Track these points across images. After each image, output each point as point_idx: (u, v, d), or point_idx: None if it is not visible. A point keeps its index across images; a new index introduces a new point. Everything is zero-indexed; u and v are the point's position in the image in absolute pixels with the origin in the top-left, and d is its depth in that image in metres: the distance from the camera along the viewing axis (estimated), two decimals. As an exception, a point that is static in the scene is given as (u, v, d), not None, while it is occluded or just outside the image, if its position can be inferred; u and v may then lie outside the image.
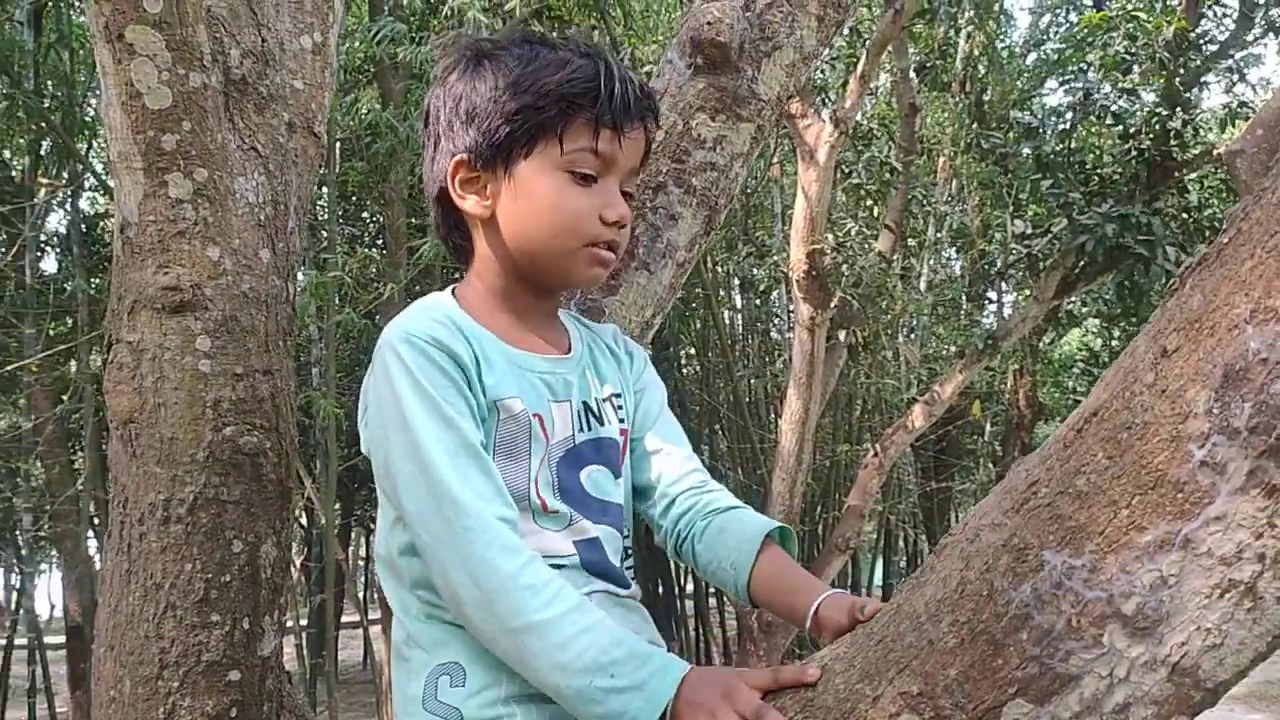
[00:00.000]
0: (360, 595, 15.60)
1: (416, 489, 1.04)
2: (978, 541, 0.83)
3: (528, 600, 0.99)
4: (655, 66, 1.51)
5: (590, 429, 1.18)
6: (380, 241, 10.47)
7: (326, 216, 7.66)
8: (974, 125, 10.56)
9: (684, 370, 14.32)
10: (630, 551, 1.23)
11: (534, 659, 0.99)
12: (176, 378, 1.52)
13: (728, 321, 13.06)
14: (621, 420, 1.23)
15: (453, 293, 1.20)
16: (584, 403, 1.18)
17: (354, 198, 9.70)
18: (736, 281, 12.79)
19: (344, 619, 13.66)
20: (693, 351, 14.18)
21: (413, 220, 8.70)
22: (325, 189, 7.45)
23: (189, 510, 1.52)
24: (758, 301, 12.69)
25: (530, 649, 0.99)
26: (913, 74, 9.58)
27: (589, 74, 1.13)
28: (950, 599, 0.83)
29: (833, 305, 7.30)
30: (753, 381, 12.38)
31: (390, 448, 1.06)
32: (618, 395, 1.24)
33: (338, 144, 7.25)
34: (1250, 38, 11.27)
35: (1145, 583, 0.74)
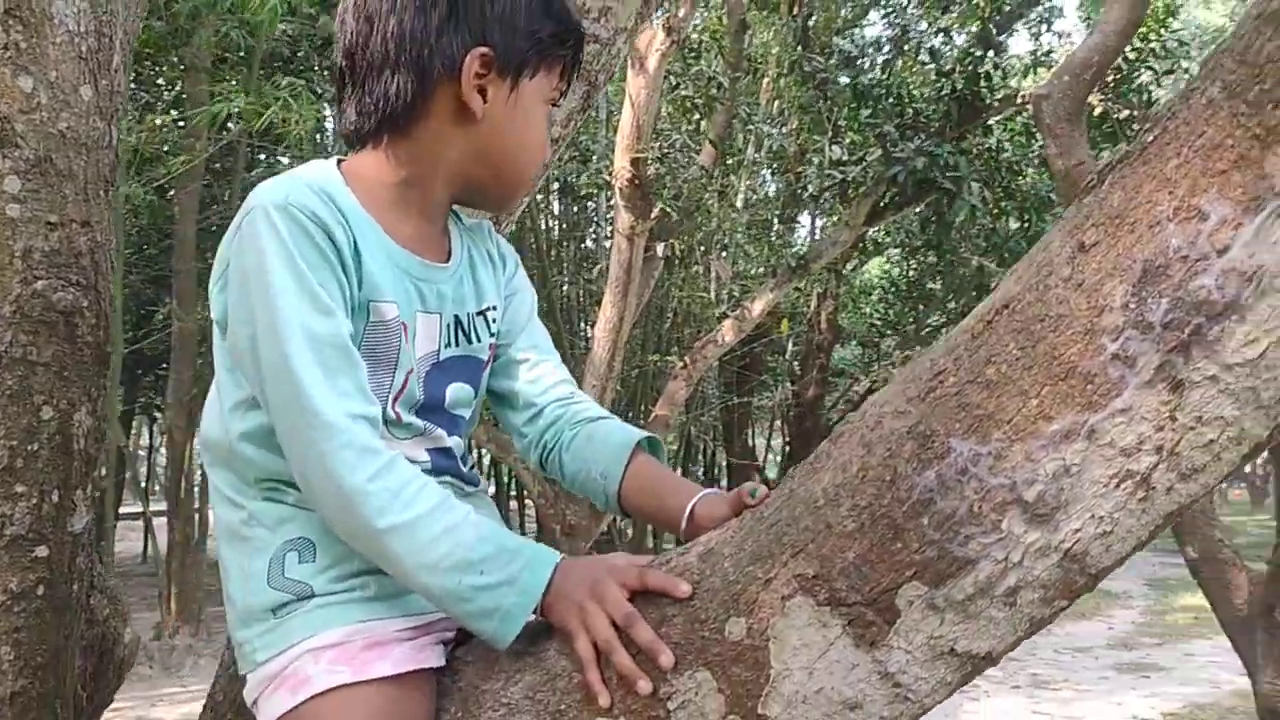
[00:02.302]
0: (142, 486, 14.89)
1: (276, 376, 0.96)
2: (880, 429, 0.83)
3: (388, 503, 0.94)
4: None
5: (457, 344, 1.12)
6: (177, 111, 9.77)
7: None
8: (798, 48, 10.69)
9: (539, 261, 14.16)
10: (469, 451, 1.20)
11: (400, 560, 0.95)
12: (-21, 221, 1.36)
13: (545, 226, 12.94)
14: (493, 335, 1.17)
15: (338, 165, 1.07)
16: (455, 316, 1.11)
17: (149, 60, 8.97)
18: (556, 186, 12.64)
19: (123, 509, 13.03)
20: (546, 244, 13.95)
21: (215, 91, 8.14)
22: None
23: (-9, 371, 1.37)
24: (576, 208, 12.61)
25: (395, 550, 0.94)
26: (745, -10, 9.57)
27: (578, 22, 1.14)
28: (850, 483, 0.83)
29: (653, 216, 7.29)
30: (567, 287, 12.37)
31: (256, 326, 0.97)
32: (493, 308, 1.17)
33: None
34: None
35: (1049, 471, 0.75)
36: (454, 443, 1.11)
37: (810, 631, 0.83)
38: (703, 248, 11.39)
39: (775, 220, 13.05)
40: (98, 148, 1.46)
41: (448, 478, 1.09)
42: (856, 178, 9.72)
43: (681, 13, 7.96)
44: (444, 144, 1.07)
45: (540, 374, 1.21)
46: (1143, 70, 8.91)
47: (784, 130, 11.78)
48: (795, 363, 15.69)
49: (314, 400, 0.94)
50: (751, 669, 0.85)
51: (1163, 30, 9.67)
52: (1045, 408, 0.76)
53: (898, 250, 13.78)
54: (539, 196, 13.04)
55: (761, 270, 12.06)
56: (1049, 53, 9.38)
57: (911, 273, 14.33)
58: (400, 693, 0.97)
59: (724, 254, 12.08)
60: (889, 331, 15.12)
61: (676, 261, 10.82)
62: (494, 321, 1.16)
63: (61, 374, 1.42)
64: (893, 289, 14.86)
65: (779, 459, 18.30)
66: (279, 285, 0.96)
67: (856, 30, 12.72)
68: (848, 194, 10.33)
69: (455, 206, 1.16)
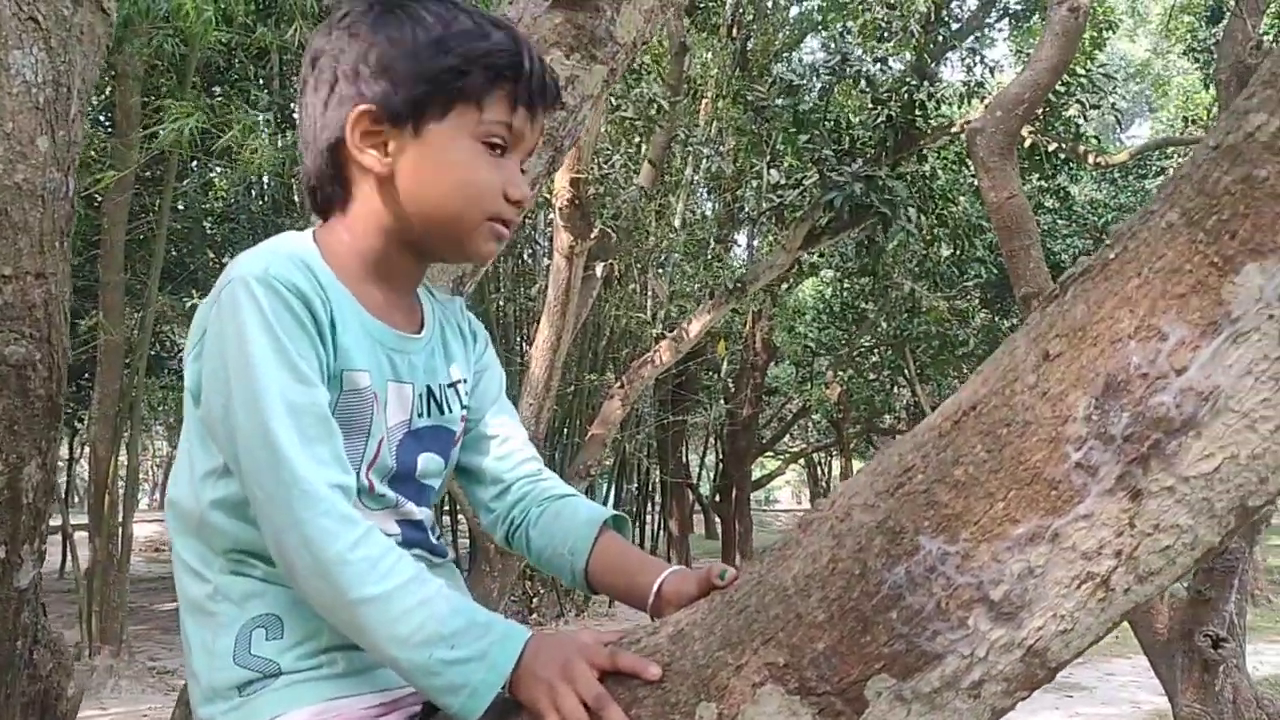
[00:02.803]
0: (62, 498, 14.49)
1: (253, 444, 0.96)
2: (849, 521, 0.86)
3: (365, 573, 0.95)
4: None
5: (429, 415, 1.13)
6: (106, 118, 9.56)
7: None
8: (737, 71, 10.79)
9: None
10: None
11: (371, 632, 0.95)
12: (-70, 274, 1.34)
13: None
14: (464, 407, 1.18)
15: (313, 238, 1.09)
16: (427, 386, 1.13)
17: (80, 67, 8.77)
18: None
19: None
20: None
21: (148, 99, 7.98)
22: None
23: (-60, 425, 1.34)
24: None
25: (367, 621, 0.95)
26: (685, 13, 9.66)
27: (512, 48, 1.09)
28: (820, 575, 0.86)
29: (593, 236, 7.31)
30: (503, 304, 12.31)
31: (231, 395, 0.97)
32: (464, 381, 1.19)
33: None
34: (990, 19, 12.15)
35: (1014, 571, 0.79)
36: (423, 514, 1.12)
37: (780, 719, 0.85)
38: (640, 266, 11.44)
39: (712, 240, 13.13)
40: (54, 199, 1.44)
41: (418, 550, 1.10)
42: (794, 201, 9.84)
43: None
44: (374, 206, 1.09)
45: (508, 450, 1.23)
46: (1071, 103, 9.18)
47: (722, 152, 11.88)
48: (730, 381, 15.80)
49: (295, 468, 0.95)
50: (723, 755, 0.87)
51: (1089, 64, 9.97)
52: (1011, 511, 0.79)
53: (831, 272, 13.99)
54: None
55: (698, 288, 12.13)
56: (981, 84, 9.60)
57: (844, 294, 14.56)
58: None
59: (661, 272, 12.14)
60: (822, 351, 15.33)
61: (615, 280, 10.85)
62: (465, 395, 1.18)
63: (12, 428, 1.40)
64: (826, 310, 15.08)
65: (712, 475, 18.38)
66: (258, 355, 0.96)
67: (795, 55, 12.88)
68: (784, 217, 10.45)
69: (428, 283, 1.17)
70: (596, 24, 1.41)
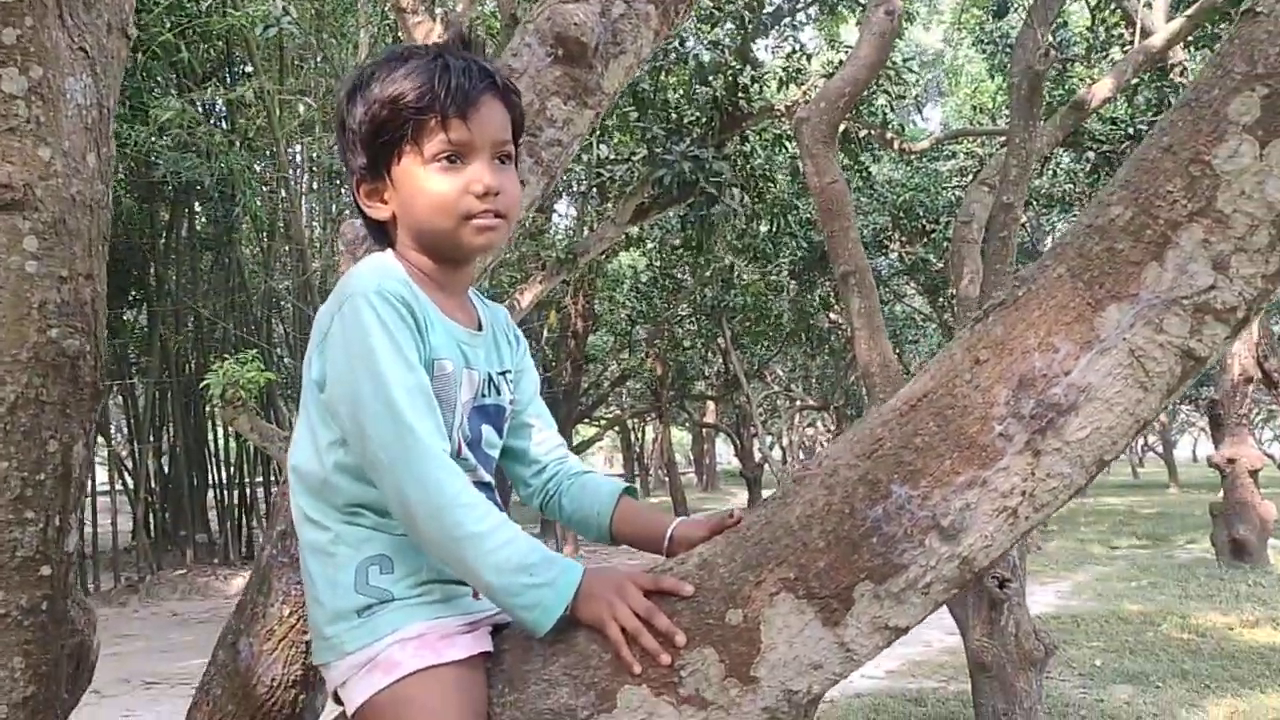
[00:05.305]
0: None
1: (380, 418, 1.23)
2: (836, 476, 1.21)
3: (467, 515, 1.24)
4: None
5: (489, 395, 1.43)
6: None
7: None
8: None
9: (245, 249, 13.75)
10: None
11: (472, 560, 1.24)
12: (1, 276, 1.51)
13: (306, 210, 12.71)
14: (511, 393, 1.48)
15: (395, 258, 1.38)
16: (488, 373, 1.42)
17: None
18: (317, 169, 12.42)
19: None
20: (255, 233, 13.61)
21: None
22: None
23: (9, 410, 1.53)
24: (345, 189, 12.43)
25: (469, 551, 1.23)
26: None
27: (425, 81, 1.33)
28: (819, 514, 1.20)
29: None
30: (327, 271, 12.17)
31: (357, 383, 1.24)
32: (509, 372, 1.49)
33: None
34: (800, 4, 12.79)
35: (956, 507, 1.15)
36: (489, 478, 1.41)
37: (792, 617, 1.20)
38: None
39: (530, 212, 13.20)
40: (99, 208, 1.63)
41: None
42: (623, 177, 10.18)
43: (460, 8, 8.19)
44: (403, 238, 1.40)
45: (544, 438, 1.55)
46: (879, 94, 9.90)
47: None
48: (549, 349, 16.06)
49: (415, 432, 1.23)
50: (747, 645, 1.21)
51: (893, 55, 10.71)
52: (954, 466, 1.16)
53: (651, 244, 14.47)
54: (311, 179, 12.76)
55: (518, 258, 12.28)
56: (800, 70, 10.20)
57: (661, 265, 15.06)
58: (468, 671, 1.28)
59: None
60: (641, 320, 15.83)
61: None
62: (511, 384, 1.47)
63: (65, 411, 1.59)
64: (645, 280, 15.54)
65: (533, 442, 18.61)
66: (379, 350, 1.25)
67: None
68: (609, 192, 10.76)
69: (481, 296, 1.46)
70: (589, 77, 1.70)
